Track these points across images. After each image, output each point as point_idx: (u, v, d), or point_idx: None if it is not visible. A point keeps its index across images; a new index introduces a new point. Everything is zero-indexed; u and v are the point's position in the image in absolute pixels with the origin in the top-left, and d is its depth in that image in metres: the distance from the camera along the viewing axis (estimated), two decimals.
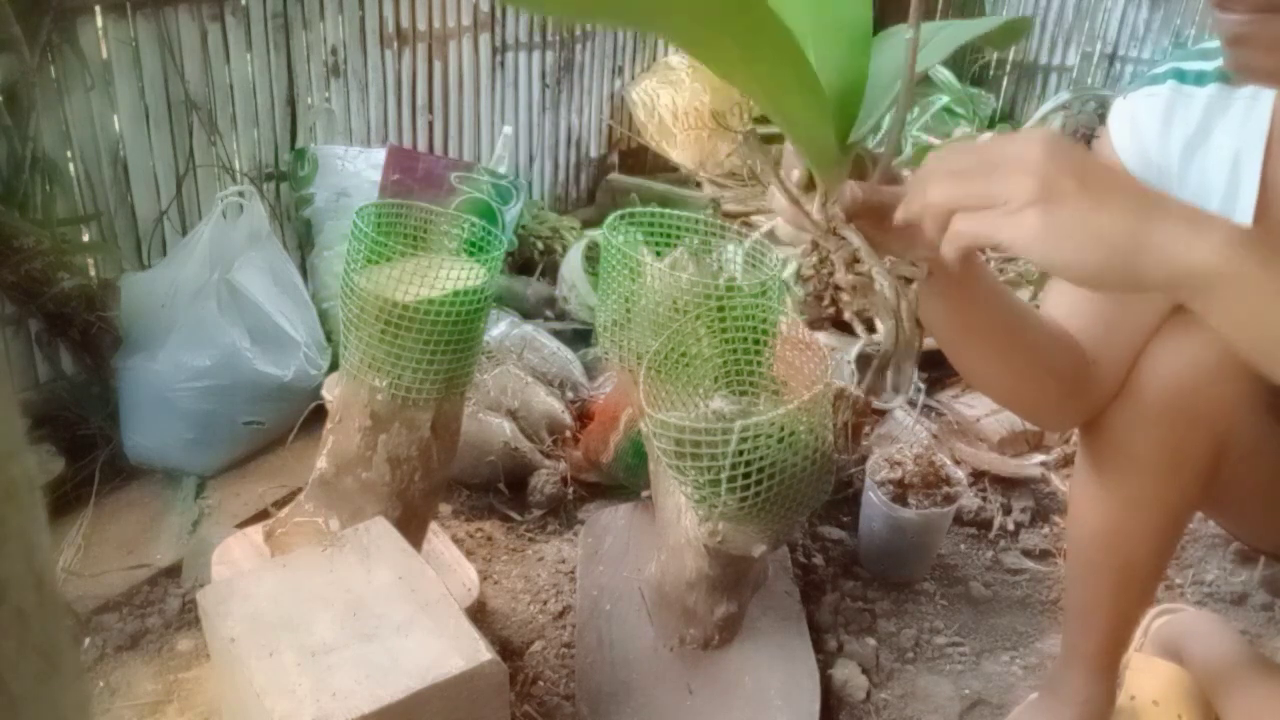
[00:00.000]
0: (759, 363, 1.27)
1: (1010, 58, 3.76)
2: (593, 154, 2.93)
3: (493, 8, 2.49)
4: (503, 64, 2.59)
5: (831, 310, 0.75)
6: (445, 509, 1.69)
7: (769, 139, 0.83)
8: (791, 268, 0.75)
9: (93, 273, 1.78)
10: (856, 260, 0.72)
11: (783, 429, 1.12)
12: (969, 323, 0.91)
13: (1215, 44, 0.89)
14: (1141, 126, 0.96)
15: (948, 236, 0.66)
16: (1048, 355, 0.98)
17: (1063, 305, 1.03)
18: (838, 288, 0.73)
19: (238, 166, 2.02)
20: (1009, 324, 0.92)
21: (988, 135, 2.60)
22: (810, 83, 0.66)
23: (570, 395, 1.92)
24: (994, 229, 0.64)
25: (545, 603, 1.53)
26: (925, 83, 2.99)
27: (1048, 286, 1.16)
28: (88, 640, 1.41)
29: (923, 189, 0.67)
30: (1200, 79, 0.93)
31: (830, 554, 1.67)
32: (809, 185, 0.75)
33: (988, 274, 0.90)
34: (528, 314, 2.21)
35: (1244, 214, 0.92)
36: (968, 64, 3.76)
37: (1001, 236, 0.63)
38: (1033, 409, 1.10)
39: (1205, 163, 0.93)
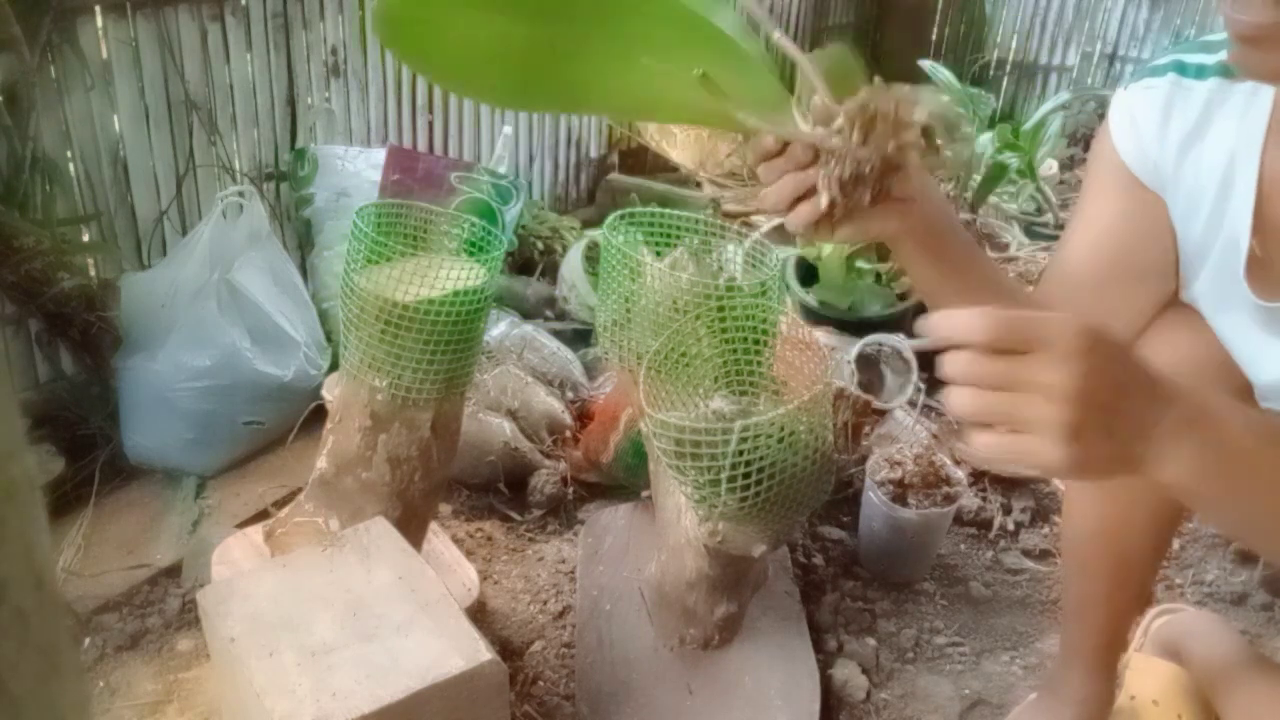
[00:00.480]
0: (759, 363, 1.27)
1: (1010, 58, 3.77)
2: (593, 154, 2.93)
3: None
4: None
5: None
6: (445, 509, 1.69)
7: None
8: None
9: (93, 273, 1.78)
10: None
11: (783, 429, 1.12)
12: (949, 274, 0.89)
13: (1217, 37, 0.89)
14: (1140, 121, 0.96)
15: (979, 450, 0.66)
16: None
17: (1057, 295, 1.03)
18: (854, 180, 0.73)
19: (238, 166, 2.02)
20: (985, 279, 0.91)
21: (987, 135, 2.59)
22: (743, 58, 0.68)
23: (570, 395, 1.92)
24: (1019, 456, 0.64)
25: (545, 603, 1.53)
26: (925, 82, 2.99)
27: (1043, 277, 1.16)
28: (88, 640, 1.41)
29: (954, 371, 0.65)
30: (1200, 72, 0.93)
31: (830, 554, 1.67)
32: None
33: (961, 234, 0.89)
34: (528, 314, 2.21)
35: (1239, 211, 0.91)
36: (968, 64, 3.76)
37: (1026, 464, 0.64)
38: None
39: (1200, 159, 0.93)
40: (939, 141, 0.71)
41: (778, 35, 0.73)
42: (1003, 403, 0.64)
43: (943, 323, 0.65)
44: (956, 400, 0.65)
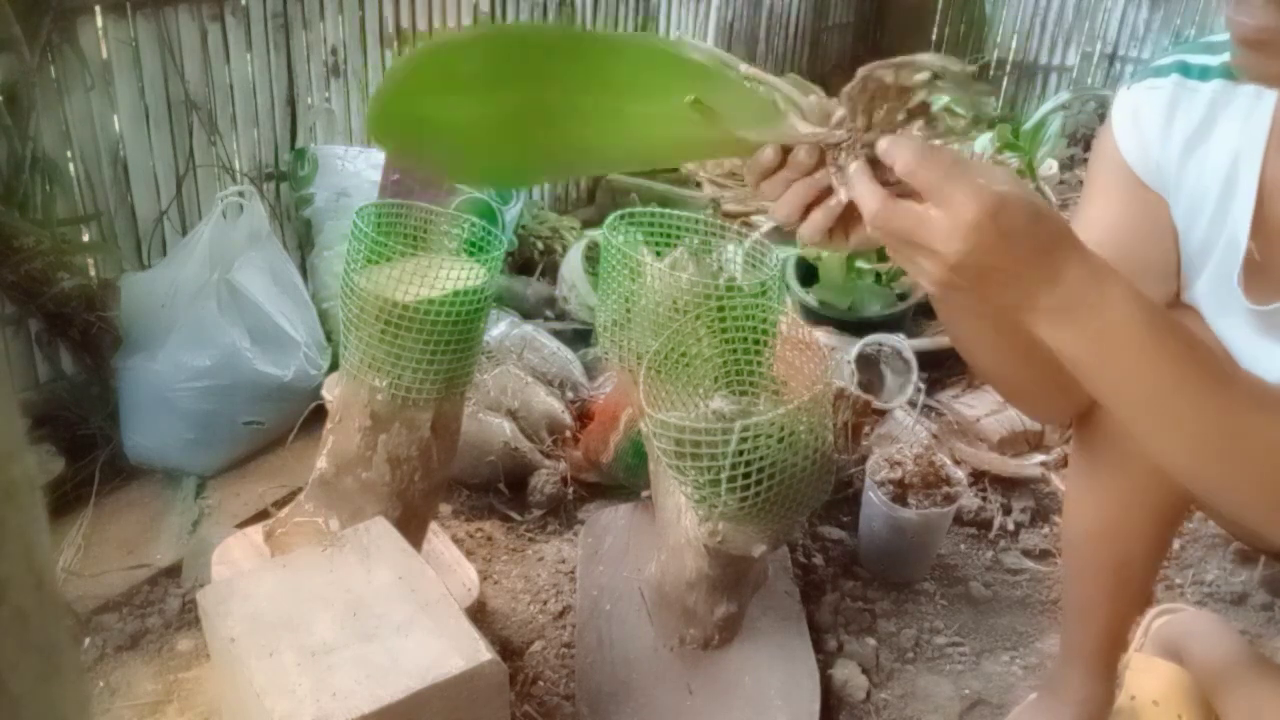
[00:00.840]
0: (759, 363, 1.27)
1: (1010, 58, 3.77)
2: None
3: (492, 8, 2.49)
4: None
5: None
6: (445, 509, 1.69)
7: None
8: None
9: (93, 273, 1.78)
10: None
11: (783, 429, 1.12)
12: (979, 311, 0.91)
13: (1220, 38, 0.89)
14: (1144, 121, 0.96)
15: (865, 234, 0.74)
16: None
17: None
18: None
19: (238, 166, 2.02)
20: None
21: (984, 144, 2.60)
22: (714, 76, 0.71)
23: (570, 395, 1.92)
24: (903, 262, 0.73)
25: (545, 603, 1.53)
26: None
27: None
28: (88, 640, 1.41)
29: (864, 203, 0.71)
30: (1205, 74, 0.92)
31: (830, 554, 1.67)
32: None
33: None
34: (528, 314, 2.21)
35: (1240, 214, 0.91)
36: (968, 64, 3.76)
37: (897, 262, 0.74)
38: (1031, 399, 1.10)
39: (1203, 162, 0.93)
40: (949, 101, 0.70)
41: (744, 69, 0.73)
42: (901, 236, 0.70)
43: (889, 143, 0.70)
44: (869, 205, 0.70)
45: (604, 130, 0.71)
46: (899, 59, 0.68)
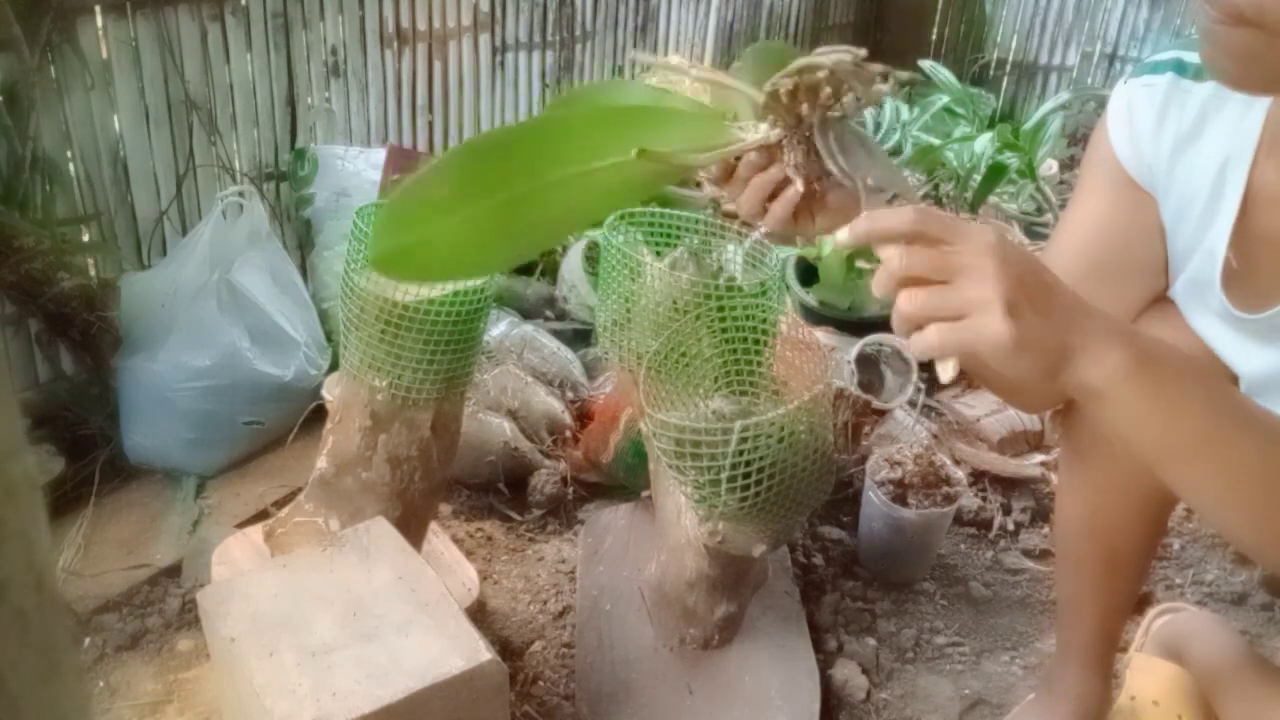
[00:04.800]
0: (759, 363, 1.27)
1: (1010, 58, 3.77)
2: None
3: (493, 7, 2.49)
4: (503, 64, 2.59)
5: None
6: (445, 509, 1.69)
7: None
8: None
9: (93, 273, 1.78)
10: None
11: (783, 429, 1.12)
12: None
13: None
14: (1137, 119, 0.96)
15: (926, 346, 0.68)
16: None
17: None
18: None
19: (238, 166, 2.02)
20: None
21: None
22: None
23: (570, 395, 1.92)
24: (968, 339, 0.66)
25: (545, 603, 1.53)
26: (925, 82, 2.99)
27: None
28: (88, 640, 1.41)
29: (888, 264, 0.69)
30: (1200, 73, 0.92)
31: (830, 554, 1.67)
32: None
33: None
34: (528, 314, 2.21)
35: (1224, 222, 0.91)
36: (967, 64, 3.76)
37: (976, 345, 0.66)
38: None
39: (1193, 164, 0.93)
40: (860, 80, 0.74)
41: (695, 73, 0.79)
42: (939, 292, 0.67)
43: (872, 219, 0.69)
44: (905, 303, 0.68)
45: (575, 195, 0.77)
46: (798, 63, 0.73)
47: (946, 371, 0.70)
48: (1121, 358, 0.67)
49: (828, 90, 0.73)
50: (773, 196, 0.80)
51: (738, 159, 0.80)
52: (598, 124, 0.76)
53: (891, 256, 0.68)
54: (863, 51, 0.73)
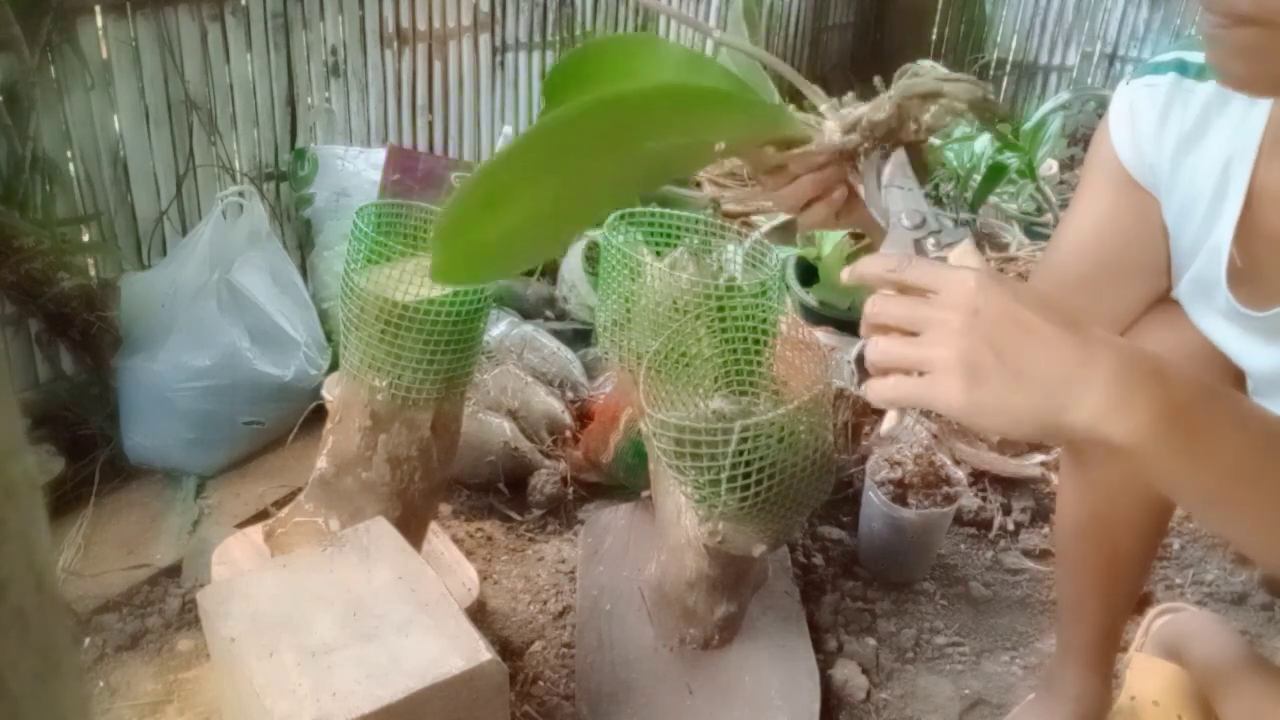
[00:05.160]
0: (759, 363, 1.27)
1: (1010, 58, 3.77)
2: None
3: (493, 7, 2.49)
4: (503, 64, 2.59)
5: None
6: (445, 509, 1.69)
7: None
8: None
9: (93, 273, 1.78)
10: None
11: (783, 429, 1.12)
12: None
13: None
14: (1139, 119, 0.96)
15: (879, 395, 0.67)
16: None
17: (1047, 291, 1.03)
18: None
19: (238, 166, 2.02)
20: None
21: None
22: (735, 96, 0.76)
23: (570, 395, 1.92)
24: (921, 397, 0.64)
25: (545, 603, 1.53)
26: None
27: (1034, 273, 1.16)
28: (88, 640, 1.41)
29: (865, 309, 0.69)
30: (1202, 73, 0.92)
31: (830, 554, 1.67)
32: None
33: None
34: (528, 314, 2.21)
35: (1227, 221, 0.91)
36: (968, 64, 3.76)
37: (929, 404, 0.64)
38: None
39: (1197, 164, 0.93)
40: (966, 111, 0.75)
41: (717, 36, 0.79)
42: (903, 344, 0.65)
43: (862, 265, 0.69)
44: (872, 352, 0.67)
45: (634, 171, 0.75)
46: (929, 85, 0.73)
47: (888, 423, 0.68)
48: (1147, 417, 0.61)
49: (929, 115, 0.73)
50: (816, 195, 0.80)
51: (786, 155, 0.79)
52: (677, 104, 0.73)
53: (868, 302, 0.68)
54: (990, 90, 0.73)
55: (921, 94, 0.74)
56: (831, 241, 2.27)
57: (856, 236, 2.17)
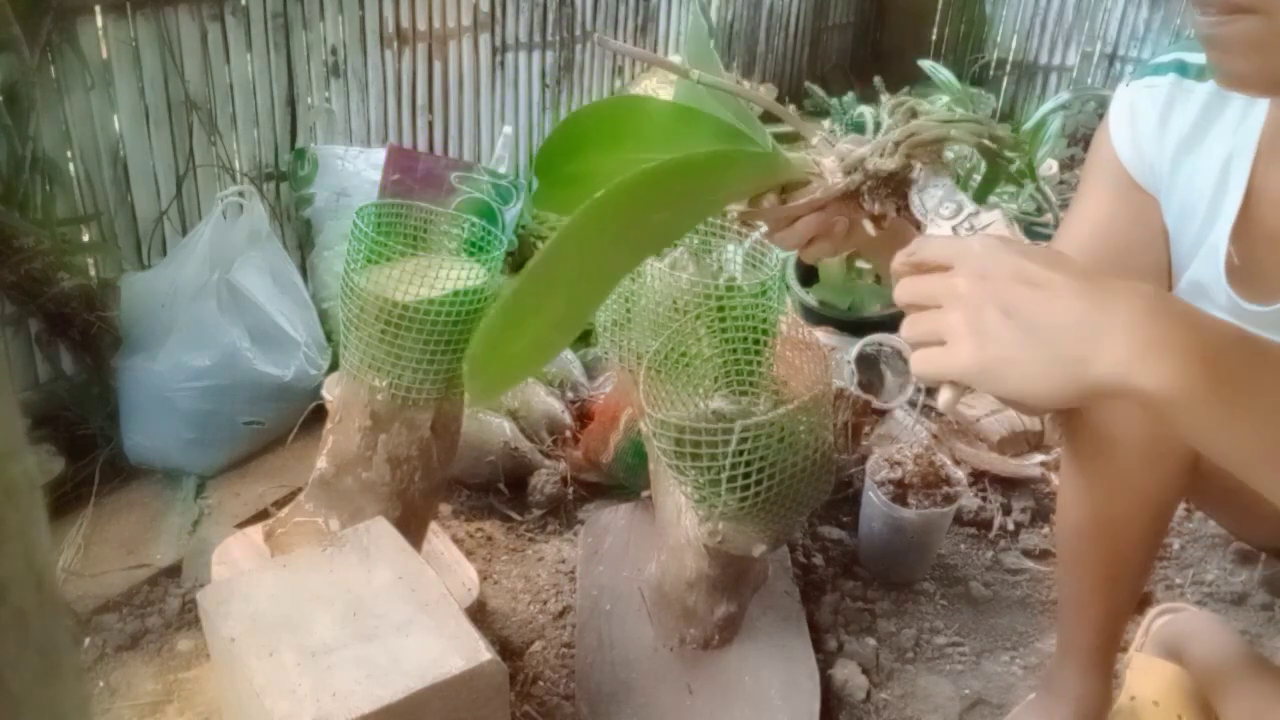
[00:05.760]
0: (759, 363, 1.27)
1: (1010, 58, 3.77)
2: None
3: (493, 7, 2.49)
4: (503, 64, 2.59)
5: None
6: (445, 509, 1.69)
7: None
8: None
9: (93, 273, 1.78)
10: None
11: (783, 429, 1.12)
12: None
13: None
14: (1140, 120, 0.96)
15: (914, 372, 0.68)
16: None
17: None
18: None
19: (238, 166, 2.02)
20: None
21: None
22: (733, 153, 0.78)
23: (570, 395, 1.92)
24: (942, 370, 0.64)
25: (545, 603, 1.53)
26: (925, 82, 2.99)
27: None
28: (88, 640, 1.41)
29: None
30: (1202, 74, 0.92)
31: (830, 554, 1.67)
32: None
33: None
34: None
35: (1226, 220, 0.91)
36: (968, 64, 3.76)
37: (949, 373, 0.64)
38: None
39: (1196, 164, 0.93)
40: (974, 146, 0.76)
41: (696, 77, 0.80)
42: (923, 317, 0.65)
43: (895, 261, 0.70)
44: (902, 328, 0.67)
45: (643, 245, 0.77)
46: (935, 131, 0.74)
47: (943, 398, 0.67)
48: (1179, 363, 0.57)
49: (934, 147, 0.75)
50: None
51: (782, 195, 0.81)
52: (668, 179, 0.73)
53: (896, 287, 0.69)
54: (995, 128, 0.74)
55: (927, 141, 0.74)
56: None
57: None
